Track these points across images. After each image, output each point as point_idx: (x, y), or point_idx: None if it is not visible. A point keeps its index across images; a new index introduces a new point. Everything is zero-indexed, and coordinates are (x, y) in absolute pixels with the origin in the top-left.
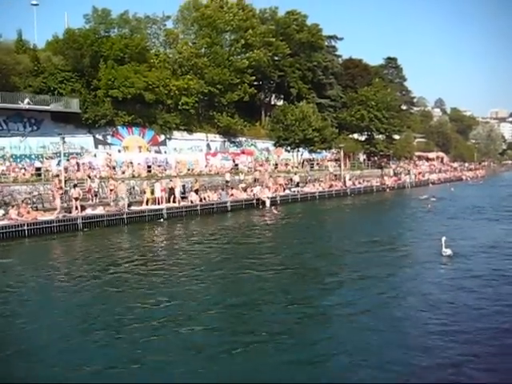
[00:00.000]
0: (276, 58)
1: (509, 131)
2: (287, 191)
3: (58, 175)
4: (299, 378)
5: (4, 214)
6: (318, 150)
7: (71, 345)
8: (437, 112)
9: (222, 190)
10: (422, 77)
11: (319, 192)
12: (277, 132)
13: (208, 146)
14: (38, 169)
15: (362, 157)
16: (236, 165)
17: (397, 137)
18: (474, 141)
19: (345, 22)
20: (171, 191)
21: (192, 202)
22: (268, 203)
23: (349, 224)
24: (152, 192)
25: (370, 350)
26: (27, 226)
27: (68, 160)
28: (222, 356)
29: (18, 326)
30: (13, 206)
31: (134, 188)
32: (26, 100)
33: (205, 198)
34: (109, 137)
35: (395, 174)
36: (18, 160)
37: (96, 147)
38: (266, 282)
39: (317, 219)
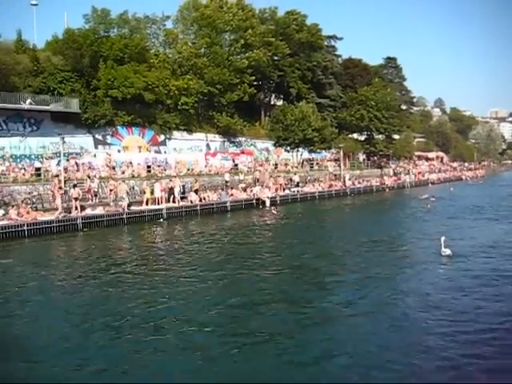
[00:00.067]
0: (275, 58)
1: (508, 131)
2: (287, 191)
3: (57, 175)
4: (299, 378)
5: (4, 214)
6: (318, 150)
7: (71, 345)
8: (436, 112)
9: (222, 190)
10: (421, 77)
11: (319, 192)
12: (276, 132)
13: (208, 146)
14: (38, 169)
15: (361, 157)
16: (236, 165)
17: (396, 137)
18: (473, 141)
19: (344, 22)
20: (171, 191)
21: (192, 202)
22: (268, 203)
23: (348, 224)
24: (152, 192)
25: (370, 350)
26: (27, 226)
27: (68, 160)
28: (222, 356)
29: (18, 326)
30: (13, 206)
31: (133, 188)
32: (28, 100)
33: (204, 198)
34: (108, 137)
35: (395, 174)
36: (18, 160)
37: (96, 147)
38: (266, 282)
39: (316, 219)
